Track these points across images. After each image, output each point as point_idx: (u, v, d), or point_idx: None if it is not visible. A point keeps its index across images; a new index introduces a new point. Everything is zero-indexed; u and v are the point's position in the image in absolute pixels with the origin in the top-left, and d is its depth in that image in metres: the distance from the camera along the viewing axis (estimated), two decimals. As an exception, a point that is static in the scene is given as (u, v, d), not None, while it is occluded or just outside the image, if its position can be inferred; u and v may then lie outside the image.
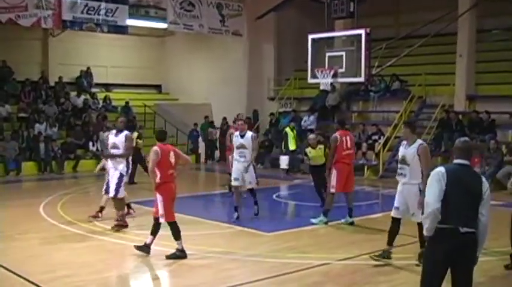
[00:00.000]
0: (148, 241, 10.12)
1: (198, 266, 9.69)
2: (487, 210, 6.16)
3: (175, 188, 10.20)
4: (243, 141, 13.14)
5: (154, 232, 10.13)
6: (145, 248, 10.10)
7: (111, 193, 12.36)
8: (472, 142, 6.55)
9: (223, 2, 27.30)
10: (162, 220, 10.01)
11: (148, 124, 29.26)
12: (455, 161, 6.25)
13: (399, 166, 9.63)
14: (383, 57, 22.19)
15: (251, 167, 13.28)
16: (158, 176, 9.94)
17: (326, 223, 12.91)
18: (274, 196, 17.21)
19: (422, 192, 9.14)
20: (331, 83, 22.21)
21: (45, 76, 28.54)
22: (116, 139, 12.77)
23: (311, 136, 14.70)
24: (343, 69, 19.11)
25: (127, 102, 28.81)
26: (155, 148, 10.07)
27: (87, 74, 29.77)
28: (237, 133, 13.38)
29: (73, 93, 28.60)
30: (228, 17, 27.43)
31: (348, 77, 19.76)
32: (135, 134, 19.68)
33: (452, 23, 22.46)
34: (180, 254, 9.96)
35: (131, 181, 20.21)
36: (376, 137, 23.01)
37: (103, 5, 23.82)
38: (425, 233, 6.10)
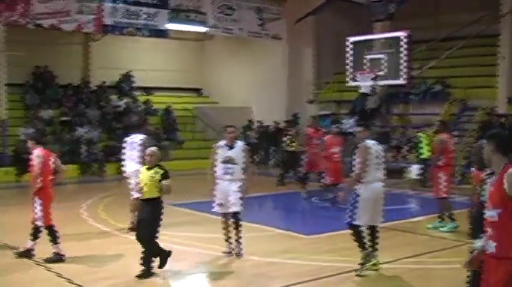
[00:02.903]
0: (29, 245, 10.16)
1: (237, 268, 9.73)
2: None
3: (53, 194, 10.32)
4: (231, 153, 10.29)
5: (35, 237, 10.17)
6: (27, 253, 10.14)
7: None
8: None
9: (263, 6, 27.35)
10: (40, 223, 10.03)
11: (188, 127, 29.47)
12: None
13: None
14: (423, 59, 22.03)
15: (239, 187, 10.31)
16: (39, 180, 9.97)
17: (456, 227, 12.45)
18: (313, 199, 17.17)
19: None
20: (371, 86, 22.17)
21: (86, 80, 28.97)
22: None
23: (149, 150, 9.42)
24: (383, 72, 19.04)
25: (168, 106, 29.06)
26: (37, 152, 10.07)
27: (127, 77, 30.10)
28: (223, 143, 10.45)
29: (114, 97, 28.95)
30: (267, 21, 27.46)
31: (388, 80, 19.69)
32: (288, 138, 19.71)
33: (494, 24, 22.18)
34: (56, 258, 9.98)
35: (281, 183, 20.04)
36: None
37: (143, 9, 24.04)
38: None
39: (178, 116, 29.43)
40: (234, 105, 30.34)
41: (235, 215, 10.37)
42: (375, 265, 9.30)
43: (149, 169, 9.22)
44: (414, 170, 20.46)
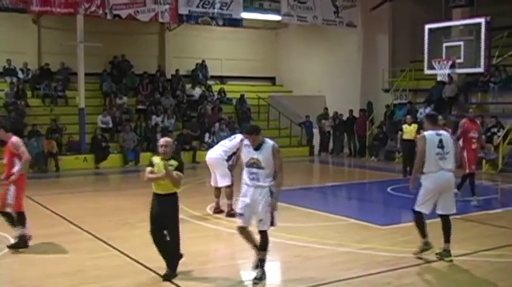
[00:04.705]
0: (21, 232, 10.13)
1: (312, 258, 9.65)
2: None
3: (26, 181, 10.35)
4: (257, 155, 8.24)
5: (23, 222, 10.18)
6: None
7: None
8: None
9: (337, -7, 27.08)
10: (9, 210, 10.05)
11: (262, 116, 29.52)
12: None
13: None
14: (503, 46, 21.41)
15: (268, 197, 8.20)
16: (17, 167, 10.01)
17: None
18: (389, 189, 16.94)
19: None
20: (449, 74, 21.68)
21: (162, 69, 29.35)
22: None
23: (163, 141, 8.57)
24: (461, 60, 18.64)
25: (242, 95, 29.18)
26: (17, 139, 10.12)
27: (202, 66, 30.33)
28: (248, 142, 8.39)
29: (188, 86, 29.25)
30: (342, 8, 27.18)
31: (466, 68, 19.26)
32: (408, 127, 19.63)
33: None
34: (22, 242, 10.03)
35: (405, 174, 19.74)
36: (495, 129, 22.18)
37: (218, -2, 24.23)
38: None
39: (252, 105, 29.51)
40: (308, 93, 30.22)
41: (262, 233, 8.35)
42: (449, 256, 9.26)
43: (163, 160, 8.39)
44: None
